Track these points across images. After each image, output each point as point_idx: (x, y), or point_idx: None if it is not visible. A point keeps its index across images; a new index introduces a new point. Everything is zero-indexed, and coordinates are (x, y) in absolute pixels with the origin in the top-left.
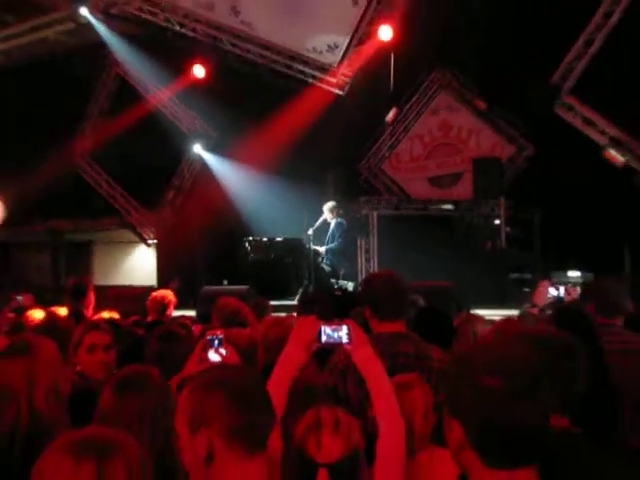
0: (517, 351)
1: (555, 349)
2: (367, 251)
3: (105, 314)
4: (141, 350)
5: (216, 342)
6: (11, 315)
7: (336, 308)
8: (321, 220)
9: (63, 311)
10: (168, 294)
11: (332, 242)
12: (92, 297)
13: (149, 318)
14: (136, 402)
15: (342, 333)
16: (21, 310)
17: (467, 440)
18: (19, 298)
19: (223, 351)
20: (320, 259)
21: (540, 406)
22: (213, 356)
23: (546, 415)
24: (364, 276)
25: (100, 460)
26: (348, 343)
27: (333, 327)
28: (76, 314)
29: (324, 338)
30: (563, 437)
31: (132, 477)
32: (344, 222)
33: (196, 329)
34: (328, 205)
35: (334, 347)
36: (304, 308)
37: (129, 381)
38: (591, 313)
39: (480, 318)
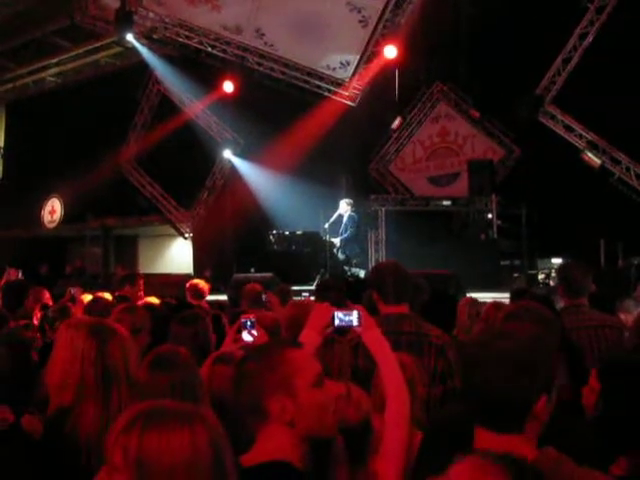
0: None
1: (548, 323)
2: (376, 242)
3: (152, 299)
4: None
5: (249, 324)
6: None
7: (349, 293)
8: (336, 215)
9: (108, 296)
10: (201, 282)
11: (345, 233)
12: (141, 284)
13: (188, 302)
14: (167, 378)
15: (353, 317)
16: (74, 300)
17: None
18: (72, 291)
19: (255, 332)
20: (335, 250)
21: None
22: (247, 337)
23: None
24: (373, 264)
25: (190, 427)
26: (358, 326)
27: (345, 312)
28: (122, 298)
29: (337, 322)
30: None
31: (215, 445)
32: (355, 215)
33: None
34: (346, 200)
35: (346, 329)
36: (320, 294)
37: (161, 359)
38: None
39: (476, 300)
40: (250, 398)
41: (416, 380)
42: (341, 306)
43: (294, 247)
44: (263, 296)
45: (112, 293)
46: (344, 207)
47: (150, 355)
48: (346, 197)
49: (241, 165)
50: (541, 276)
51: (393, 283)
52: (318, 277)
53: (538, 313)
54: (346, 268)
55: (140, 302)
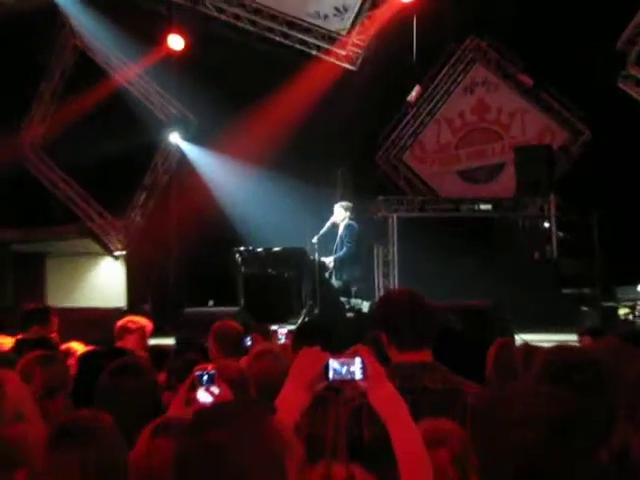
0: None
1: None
2: (385, 263)
3: (75, 344)
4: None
5: (206, 378)
6: None
7: (347, 335)
8: (329, 225)
9: (6, 341)
10: (137, 319)
11: (341, 249)
12: (56, 323)
13: (118, 347)
14: (77, 457)
15: (354, 367)
16: None
17: None
18: None
19: (215, 389)
20: (328, 273)
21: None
22: (203, 396)
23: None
24: (381, 293)
25: None
26: (362, 379)
27: (343, 360)
28: (28, 344)
29: (332, 374)
30: None
31: None
32: (355, 224)
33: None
34: (342, 204)
35: (345, 385)
36: (300, 341)
37: (71, 430)
38: None
39: (526, 345)
40: None
41: (467, 464)
42: (336, 352)
43: (270, 270)
44: (247, 340)
45: (13, 336)
46: (340, 213)
47: (54, 426)
48: (342, 199)
49: (194, 154)
50: (623, 311)
51: (410, 320)
52: (304, 312)
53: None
54: (343, 299)
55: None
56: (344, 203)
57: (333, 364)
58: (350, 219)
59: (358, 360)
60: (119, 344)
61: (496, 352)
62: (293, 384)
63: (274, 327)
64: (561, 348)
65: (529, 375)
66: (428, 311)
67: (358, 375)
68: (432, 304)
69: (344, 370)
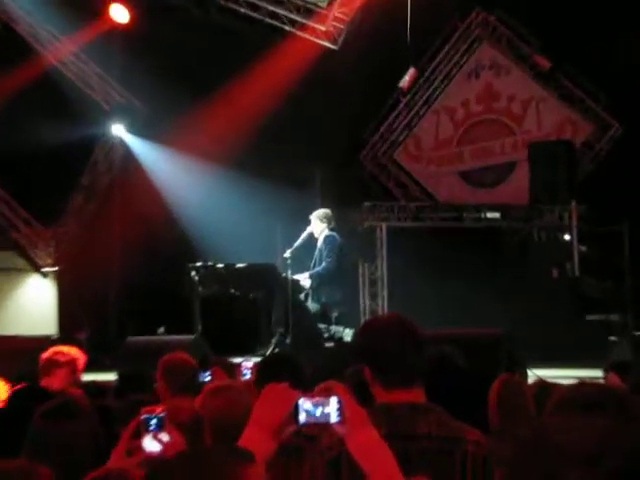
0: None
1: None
2: (372, 282)
3: None
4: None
5: (154, 423)
6: None
7: (327, 368)
8: (304, 236)
9: None
10: (69, 350)
11: (319, 265)
12: None
13: (41, 385)
14: None
15: (329, 409)
16: None
17: None
18: None
19: (165, 436)
20: (303, 295)
21: None
22: (150, 444)
23: None
24: (366, 318)
25: None
26: (339, 423)
27: (316, 400)
28: None
29: (303, 417)
30: None
31: None
32: (336, 236)
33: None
34: (318, 213)
35: (318, 430)
36: (266, 374)
37: None
38: None
39: (541, 382)
40: None
41: None
42: (307, 391)
43: (233, 290)
44: (204, 375)
45: None
46: (317, 223)
47: None
48: (321, 206)
49: (141, 149)
50: None
51: (399, 352)
52: (274, 342)
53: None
54: (322, 326)
55: None
56: (321, 211)
57: (304, 404)
58: (330, 230)
59: (334, 400)
60: (44, 381)
61: (499, 391)
62: (256, 428)
63: (238, 360)
64: (582, 385)
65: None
66: (422, 341)
67: (334, 418)
68: (427, 333)
69: (317, 412)
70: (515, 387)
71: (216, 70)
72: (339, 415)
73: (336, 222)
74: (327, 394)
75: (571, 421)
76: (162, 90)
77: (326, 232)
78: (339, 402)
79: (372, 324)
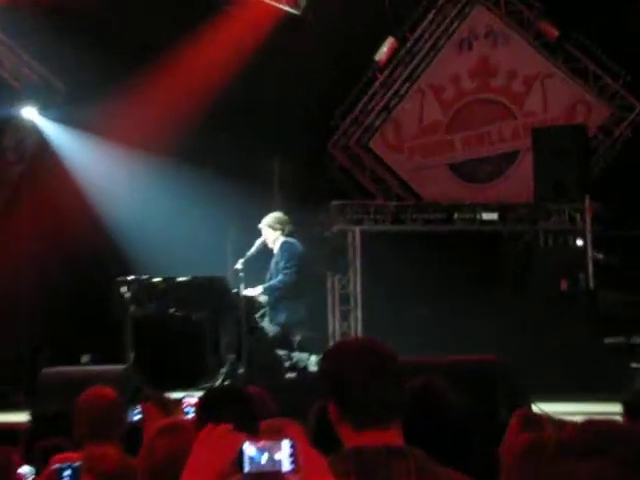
0: None
1: None
2: (344, 299)
3: None
4: None
5: (68, 475)
6: None
7: (287, 405)
8: (259, 243)
9: None
10: None
11: (276, 278)
12: None
13: None
14: None
15: (281, 455)
16: None
17: None
18: None
19: None
20: (259, 315)
21: None
22: None
23: None
24: (334, 343)
25: None
26: (292, 471)
27: (264, 444)
28: None
29: (248, 465)
30: None
31: None
32: (295, 242)
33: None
34: (268, 220)
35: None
36: (207, 413)
37: None
38: None
39: (550, 419)
40: None
41: None
42: (254, 432)
43: (172, 310)
44: (133, 414)
45: None
46: (269, 232)
47: None
48: (281, 206)
49: (59, 136)
50: None
51: (371, 385)
52: (223, 373)
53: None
54: (281, 352)
55: None
56: (271, 217)
57: (250, 450)
58: (286, 235)
59: (286, 444)
60: None
61: (518, 429)
62: (193, 477)
63: (178, 395)
64: (595, 423)
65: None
66: (400, 371)
67: (286, 466)
68: (408, 360)
69: (265, 459)
70: (537, 425)
71: (154, 42)
72: (292, 462)
73: (297, 226)
74: (278, 437)
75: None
76: (86, 65)
77: (282, 239)
78: (292, 446)
79: (338, 350)
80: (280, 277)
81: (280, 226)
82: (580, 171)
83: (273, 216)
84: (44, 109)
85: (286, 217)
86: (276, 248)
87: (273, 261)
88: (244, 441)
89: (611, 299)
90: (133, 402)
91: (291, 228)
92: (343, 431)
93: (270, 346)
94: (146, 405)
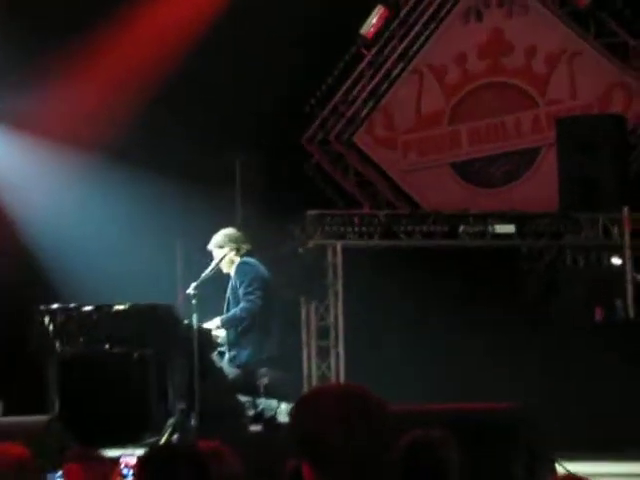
0: None
1: None
2: (322, 332)
3: None
4: None
5: None
6: None
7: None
8: (215, 265)
9: None
10: None
11: (235, 306)
12: None
13: None
14: None
15: None
16: None
17: None
18: None
19: None
20: (215, 352)
21: None
22: None
23: None
24: (309, 388)
25: None
26: None
27: None
28: None
29: None
30: None
31: None
32: (253, 262)
33: None
34: (217, 239)
35: None
36: (149, 476)
37: None
38: None
39: None
40: None
41: None
42: None
43: (107, 346)
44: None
45: None
46: (219, 253)
47: None
48: (243, 216)
49: None
50: None
51: (349, 443)
52: (170, 425)
53: None
54: (244, 399)
55: None
56: (220, 236)
57: None
58: (244, 256)
59: None
60: None
61: None
62: None
63: (115, 453)
64: None
65: None
66: (389, 425)
67: None
68: (401, 410)
69: None
70: None
71: (84, 14)
72: None
73: (264, 240)
74: None
75: None
76: (3, 45)
77: (240, 259)
78: None
79: (314, 399)
80: (242, 305)
81: (233, 245)
82: (616, 172)
83: (223, 234)
84: None
85: (240, 233)
86: (233, 270)
87: (230, 287)
88: None
89: None
90: (55, 464)
91: (248, 247)
92: None
93: (230, 391)
94: (72, 467)
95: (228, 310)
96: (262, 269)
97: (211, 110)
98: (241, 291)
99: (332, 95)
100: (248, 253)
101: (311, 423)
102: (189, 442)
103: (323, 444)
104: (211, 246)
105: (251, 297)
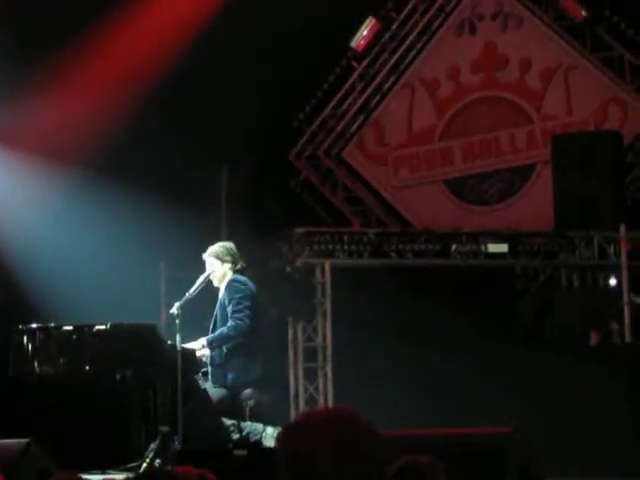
0: None
1: None
2: (309, 353)
3: None
4: None
5: None
6: None
7: None
8: (201, 281)
9: None
10: None
11: (222, 325)
12: None
13: None
14: None
15: None
16: None
17: None
18: None
19: None
20: (200, 375)
21: None
22: None
23: None
24: (297, 414)
25: None
26: None
27: None
28: None
29: None
30: None
31: None
32: (245, 280)
33: None
34: (216, 249)
35: None
36: None
37: None
38: None
39: None
40: None
41: None
42: None
43: (88, 368)
44: None
45: None
46: (215, 264)
47: None
48: (228, 234)
49: None
50: None
51: (344, 470)
52: (152, 450)
53: None
54: (229, 423)
55: None
56: (219, 247)
57: None
58: (236, 272)
59: None
60: None
61: None
62: None
63: (95, 478)
64: None
65: None
66: (380, 450)
67: None
68: (392, 435)
69: None
70: None
71: (65, 20)
72: None
73: (249, 258)
74: None
75: None
76: None
77: (231, 276)
78: None
79: (302, 424)
80: (231, 323)
81: (231, 259)
82: (613, 190)
83: (222, 245)
84: None
85: (236, 249)
86: (222, 287)
87: (218, 304)
88: None
89: None
90: None
91: (243, 264)
92: None
93: (214, 414)
94: None
95: (215, 328)
96: (253, 287)
97: (197, 125)
98: (230, 309)
99: (321, 109)
100: (241, 270)
101: (300, 447)
102: (172, 467)
103: (312, 468)
104: (208, 255)
105: (240, 315)
